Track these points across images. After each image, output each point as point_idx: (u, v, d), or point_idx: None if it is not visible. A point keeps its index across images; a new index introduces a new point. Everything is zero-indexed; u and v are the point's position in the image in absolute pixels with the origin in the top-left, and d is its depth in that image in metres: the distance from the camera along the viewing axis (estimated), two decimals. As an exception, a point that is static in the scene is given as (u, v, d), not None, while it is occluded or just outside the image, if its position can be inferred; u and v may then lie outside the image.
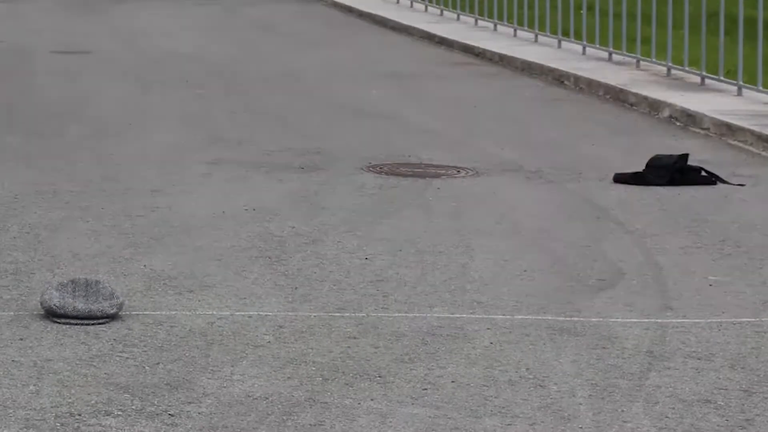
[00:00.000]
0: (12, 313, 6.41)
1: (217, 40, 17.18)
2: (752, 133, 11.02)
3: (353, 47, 17.19)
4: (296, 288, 6.98)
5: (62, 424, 5.06)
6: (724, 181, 9.33)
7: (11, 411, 5.19)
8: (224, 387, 5.51)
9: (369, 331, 6.31)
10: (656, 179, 9.20)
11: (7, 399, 5.31)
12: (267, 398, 5.39)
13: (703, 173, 9.40)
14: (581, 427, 5.17)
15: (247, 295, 6.83)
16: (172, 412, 5.23)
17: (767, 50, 12.26)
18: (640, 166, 9.54)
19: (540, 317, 6.61)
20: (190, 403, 5.32)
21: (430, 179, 9.65)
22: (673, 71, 13.78)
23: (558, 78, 14.27)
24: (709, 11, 13.57)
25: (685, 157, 9.45)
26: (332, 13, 20.76)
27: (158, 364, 5.77)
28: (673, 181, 9.22)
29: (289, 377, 5.65)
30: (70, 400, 5.31)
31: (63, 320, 6.24)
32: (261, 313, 6.55)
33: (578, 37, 15.85)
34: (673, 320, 6.63)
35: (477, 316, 6.60)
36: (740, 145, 11.04)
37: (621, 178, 9.36)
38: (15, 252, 7.35)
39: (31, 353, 5.85)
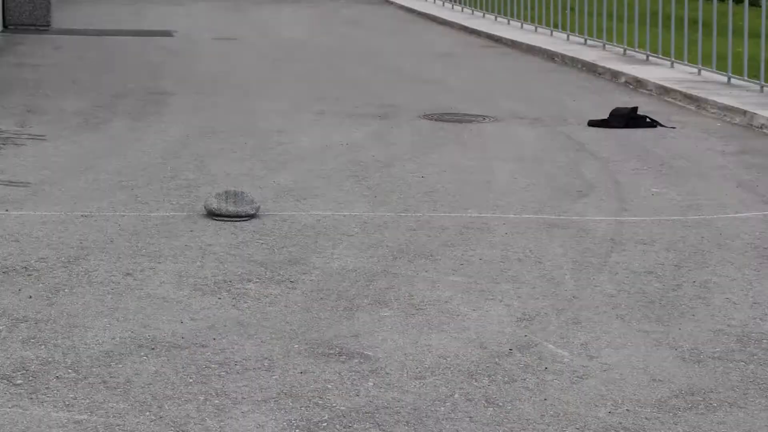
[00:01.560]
0: (185, 213, 6.45)
1: (321, 32, 17.18)
2: (680, 93, 10.99)
3: (413, 35, 17.22)
4: (375, 196, 6.97)
5: (218, 288, 5.12)
6: (662, 125, 9.33)
7: (184, 279, 5.25)
8: (327, 263, 5.55)
9: (423, 226, 6.33)
10: (616, 124, 9.21)
11: (182, 271, 5.37)
12: (356, 270, 5.43)
13: (648, 120, 9.37)
14: (566, 289, 5.20)
15: (342, 201, 6.82)
16: (292, 279, 5.28)
17: (691, 36, 12.20)
18: (605, 115, 9.51)
19: (538, 216, 6.59)
20: (304, 273, 5.37)
21: (465, 124, 9.63)
22: (627, 52, 13.77)
23: (550, 56, 14.26)
24: (653, 10, 13.61)
25: (635, 109, 9.44)
26: (398, 13, 20.81)
27: (283, 247, 5.82)
28: (627, 125, 9.23)
29: (370, 256, 5.69)
30: (224, 272, 5.37)
31: (219, 218, 6.27)
32: (351, 213, 6.55)
33: (564, 28, 15.82)
34: (628, 218, 6.60)
35: (496, 215, 6.59)
36: (672, 101, 11.01)
37: (593, 123, 9.35)
38: (186, 172, 7.40)
39: (198, 240, 5.90)
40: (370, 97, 10.89)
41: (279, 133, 8.67)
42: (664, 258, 5.79)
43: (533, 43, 15.10)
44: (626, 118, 9.21)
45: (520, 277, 5.41)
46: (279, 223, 6.27)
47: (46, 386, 3.95)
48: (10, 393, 3.89)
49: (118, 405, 3.81)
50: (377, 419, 3.75)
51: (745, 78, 11.20)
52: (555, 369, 4.23)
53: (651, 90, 11.47)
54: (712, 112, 10.24)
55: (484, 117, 9.93)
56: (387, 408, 3.84)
